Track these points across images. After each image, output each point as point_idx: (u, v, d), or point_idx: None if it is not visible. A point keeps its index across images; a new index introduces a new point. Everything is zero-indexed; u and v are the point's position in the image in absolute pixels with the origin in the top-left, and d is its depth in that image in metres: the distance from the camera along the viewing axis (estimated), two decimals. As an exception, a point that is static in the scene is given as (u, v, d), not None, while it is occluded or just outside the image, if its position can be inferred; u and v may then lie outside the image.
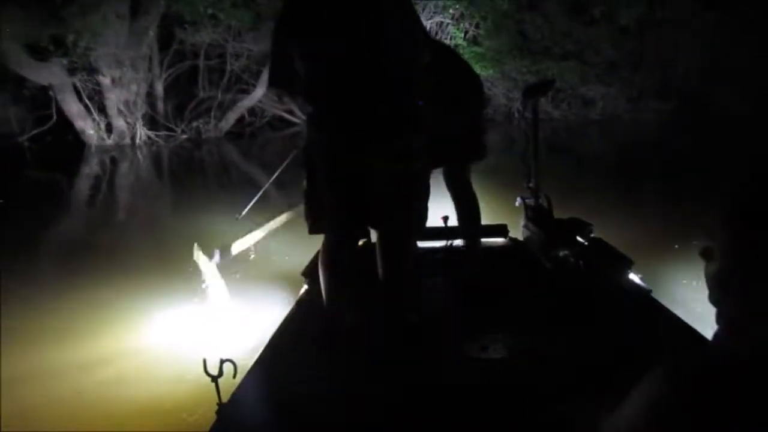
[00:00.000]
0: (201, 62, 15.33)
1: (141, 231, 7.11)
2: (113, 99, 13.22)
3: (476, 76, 3.18)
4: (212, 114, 14.91)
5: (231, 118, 15.26)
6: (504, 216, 4.06)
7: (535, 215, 3.60)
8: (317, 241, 2.56)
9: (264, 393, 2.10)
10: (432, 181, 2.57)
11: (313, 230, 2.54)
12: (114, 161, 12.51)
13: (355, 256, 2.63)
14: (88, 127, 13.23)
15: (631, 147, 13.27)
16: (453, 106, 2.89)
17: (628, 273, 2.93)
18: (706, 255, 0.87)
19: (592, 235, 3.29)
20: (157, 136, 14.07)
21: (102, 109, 13.45)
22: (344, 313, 2.50)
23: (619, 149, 13.21)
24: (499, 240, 3.83)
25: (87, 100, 13.14)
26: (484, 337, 2.37)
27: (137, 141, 13.68)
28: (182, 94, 15.55)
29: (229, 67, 15.20)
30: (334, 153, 2.33)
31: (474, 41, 17.13)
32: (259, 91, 15.00)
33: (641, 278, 2.93)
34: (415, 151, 2.33)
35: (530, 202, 3.68)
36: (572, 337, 2.36)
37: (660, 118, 16.89)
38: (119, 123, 13.50)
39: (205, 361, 1.79)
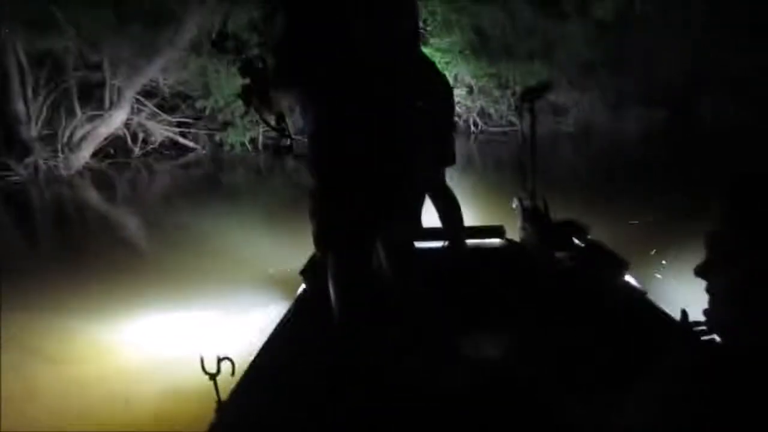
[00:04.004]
0: (69, 78, 12.45)
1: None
2: None
3: (446, 81, 3.46)
4: (59, 145, 11.77)
5: (87, 148, 12.43)
6: (500, 217, 4.41)
7: (532, 216, 3.86)
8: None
9: (264, 391, 2.22)
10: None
11: (327, 246, 2.30)
12: None
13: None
14: None
15: (613, 169, 10.81)
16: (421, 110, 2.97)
17: (624, 274, 3.15)
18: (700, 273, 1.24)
19: (588, 237, 3.51)
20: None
21: None
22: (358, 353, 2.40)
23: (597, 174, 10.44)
24: (496, 241, 4.19)
25: None
26: (479, 337, 2.51)
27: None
28: (57, 119, 12.53)
29: (106, 83, 12.61)
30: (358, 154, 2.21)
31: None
32: (121, 114, 12.55)
33: (637, 280, 3.11)
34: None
35: (527, 203, 3.92)
36: (568, 338, 2.52)
37: (644, 128, 14.93)
38: None
39: (202, 359, 1.89)
